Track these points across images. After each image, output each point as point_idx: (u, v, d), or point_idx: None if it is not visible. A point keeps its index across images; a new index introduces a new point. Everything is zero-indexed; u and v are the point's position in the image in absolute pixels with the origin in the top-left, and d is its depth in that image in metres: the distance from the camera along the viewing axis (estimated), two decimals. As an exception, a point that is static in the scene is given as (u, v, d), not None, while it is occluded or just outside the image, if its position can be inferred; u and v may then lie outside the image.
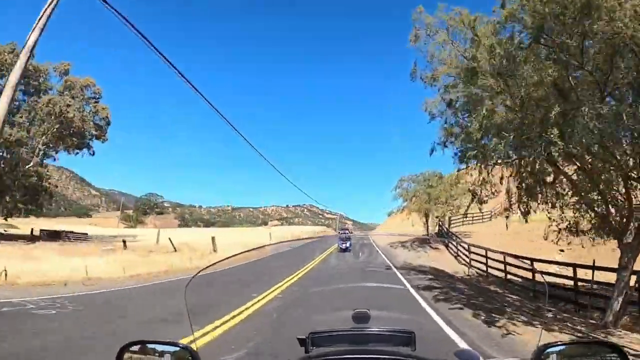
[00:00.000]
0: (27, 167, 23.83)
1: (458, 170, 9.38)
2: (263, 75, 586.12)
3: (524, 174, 7.72)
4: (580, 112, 5.33)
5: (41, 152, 25.09)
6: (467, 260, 16.29)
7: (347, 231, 23.37)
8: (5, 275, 8.43)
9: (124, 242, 21.16)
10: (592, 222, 7.63)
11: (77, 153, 27.80)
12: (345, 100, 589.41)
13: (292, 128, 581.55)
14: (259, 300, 7.47)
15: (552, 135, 5.49)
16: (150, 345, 1.19)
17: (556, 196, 7.83)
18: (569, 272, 9.31)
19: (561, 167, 7.25)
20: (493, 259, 13.11)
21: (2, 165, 23.24)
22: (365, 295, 6.95)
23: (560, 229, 8.48)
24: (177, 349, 1.18)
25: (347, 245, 21.56)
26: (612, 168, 6.44)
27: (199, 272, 1.65)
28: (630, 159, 6.16)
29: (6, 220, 29.59)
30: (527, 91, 6.12)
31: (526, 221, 8.66)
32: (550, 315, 7.50)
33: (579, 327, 6.53)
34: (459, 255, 18.66)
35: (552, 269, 11.45)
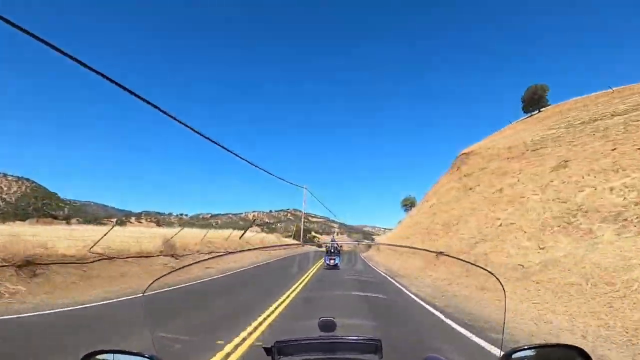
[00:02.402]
0: None
1: None
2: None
3: None
4: None
5: None
6: None
7: (335, 243, 19.04)
8: None
9: None
10: None
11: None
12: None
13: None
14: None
15: None
16: (114, 355, 1.11)
17: None
18: None
19: None
20: None
21: None
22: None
23: None
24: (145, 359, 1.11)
25: (336, 261, 17.73)
26: None
27: (153, 281, 1.59)
28: None
29: None
30: None
31: None
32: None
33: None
34: None
35: None
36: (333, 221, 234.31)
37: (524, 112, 38.10)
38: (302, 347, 1.49)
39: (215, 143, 16.90)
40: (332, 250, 18.16)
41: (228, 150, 19.62)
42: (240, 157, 22.47)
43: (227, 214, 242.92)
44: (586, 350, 1.11)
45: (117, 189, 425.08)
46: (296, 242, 50.31)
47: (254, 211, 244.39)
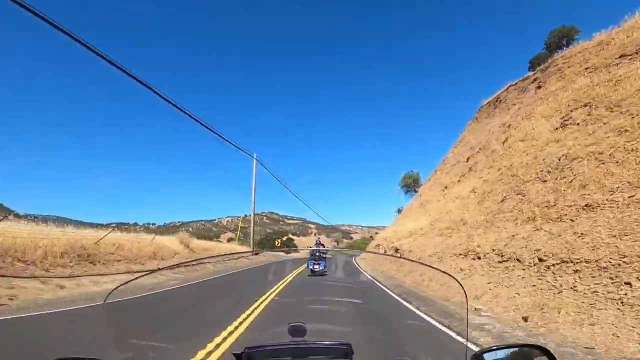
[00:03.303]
0: None
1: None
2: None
3: None
4: None
5: None
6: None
7: (321, 247, 17.44)
8: None
9: None
10: None
11: None
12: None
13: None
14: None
15: None
16: None
17: None
18: None
19: None
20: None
21: None
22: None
23: None
24: None
25: (321, 267, 16.81)
26: None
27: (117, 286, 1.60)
28: None
29: None
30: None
31: None
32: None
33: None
34: None
35: None
36: (310, 222, 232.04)
37: (530, 70, 26.65)
38: (272, 352, 1.48)
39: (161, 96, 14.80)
40: (318, 255, 17.86)
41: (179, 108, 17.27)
42: (188, 114, 19.71)
43: (199, 220, 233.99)
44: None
45: (86, 204, 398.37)
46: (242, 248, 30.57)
47: (228, 216, 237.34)
